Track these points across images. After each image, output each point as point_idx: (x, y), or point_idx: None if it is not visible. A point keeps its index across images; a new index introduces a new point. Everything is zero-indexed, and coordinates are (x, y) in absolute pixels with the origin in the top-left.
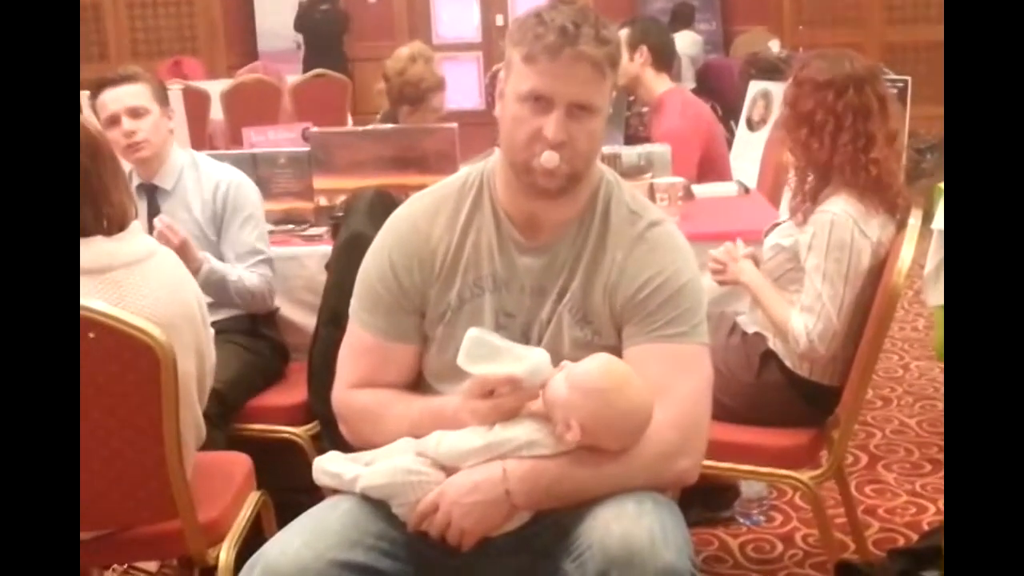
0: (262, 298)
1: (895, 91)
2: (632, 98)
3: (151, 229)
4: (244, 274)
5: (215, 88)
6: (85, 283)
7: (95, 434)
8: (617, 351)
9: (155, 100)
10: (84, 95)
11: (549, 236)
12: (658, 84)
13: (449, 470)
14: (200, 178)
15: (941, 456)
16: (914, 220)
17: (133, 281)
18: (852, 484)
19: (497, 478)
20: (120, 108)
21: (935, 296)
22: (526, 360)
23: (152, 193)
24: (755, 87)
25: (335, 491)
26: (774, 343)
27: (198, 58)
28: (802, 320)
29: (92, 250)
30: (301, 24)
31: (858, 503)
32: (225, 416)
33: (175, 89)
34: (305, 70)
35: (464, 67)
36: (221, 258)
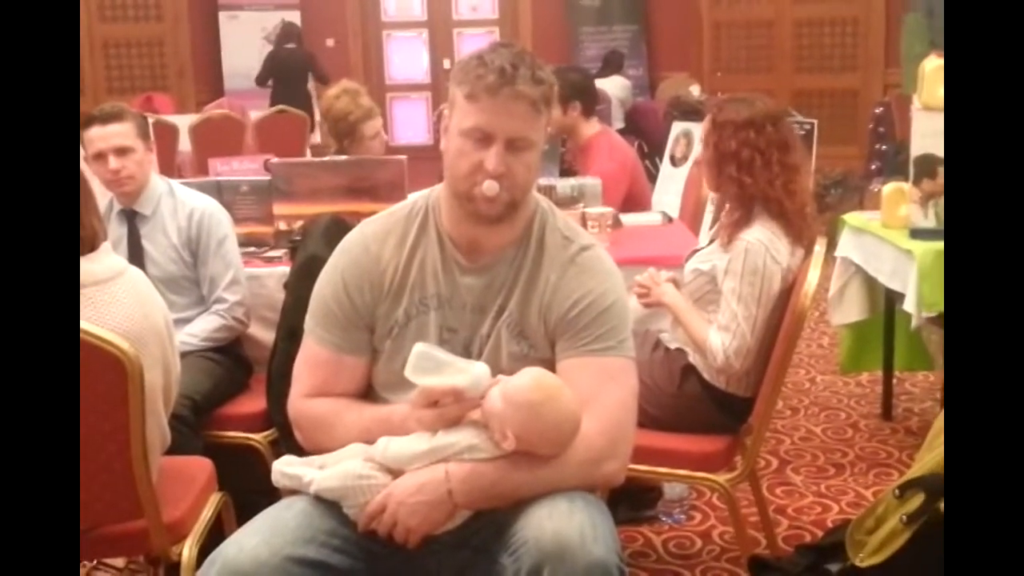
0: (231, 328)
1: (803, 132)
2: (566, 137)
3: (132, 250)
4: (202, 326)
5: (183, 122)
6: None
7: None
8: (551, 364)
9: (139, 137)
10: None
11: (489, 258)
12: (588, 128)
13: (396, 473)
14: (176, 205)
15: (844, 461)
16: (819, 248)
17: (103, 298)
18: (764, 486)
19: (440, 479)
20: (107, 147)
21: (838, 316)
22: (467, 373)
23: (132, 218)
24: (677, 127)
25: (292, 492)
26: (694, 358)
27: (168, 94)
28: (719, 337)
29: None
30: (271, 64)
31: (769, 503)
32: (200, 423)
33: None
34: (272, 104)
35: (414, 106)
36: (198, 280)
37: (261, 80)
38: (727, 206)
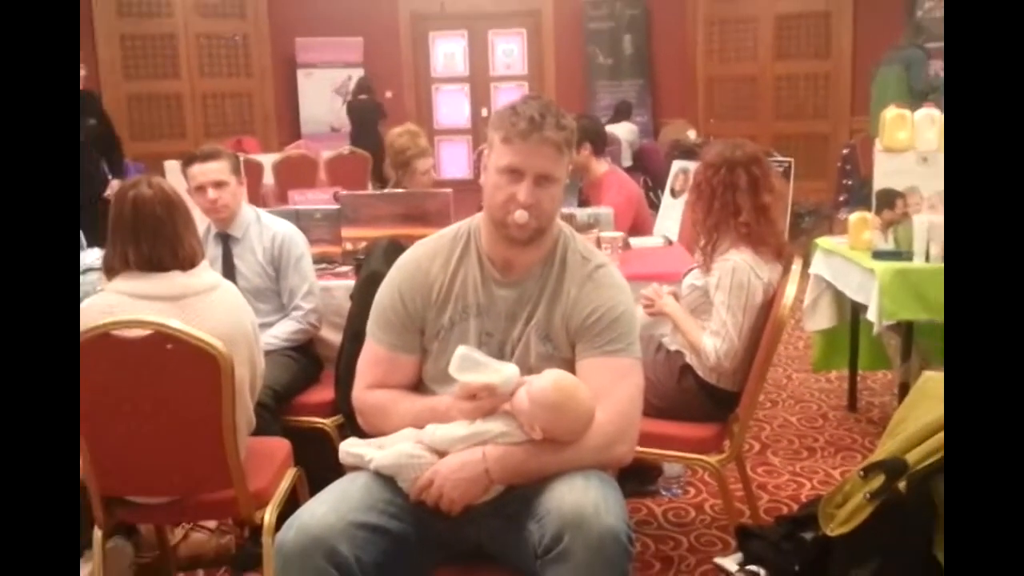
0: (306, 331)
1: (781, 169)
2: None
3: (225, 267)
4: (282, 329)
5: (268, 160)
6: (165, 307)
7: (170, 422)
8: (571, 362)
9: (232, 173)
10: (175, 164)
11: (520, 274)
12: (598, 167)
13: (441, 454)
14: (262, 230)
15: (815, 445)
16: (796, 266)
17: (202, 307)
18: (748, 466)
19: (478, 460)
20: (206, 181)
21: (811, 324)
22: (501, 372)
23: (226, 240)
24: (676, 165)
25: (355, 468)
26: (690, 358)
27: (255, 137)
28: (711, 342)
29: (170, 282)
30: (349, 110)
31: (752, 480)
32: (277, 410)
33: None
34: (352, 143)
35: (457, 147)
36: (279, 291)
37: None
38: (706, 232)
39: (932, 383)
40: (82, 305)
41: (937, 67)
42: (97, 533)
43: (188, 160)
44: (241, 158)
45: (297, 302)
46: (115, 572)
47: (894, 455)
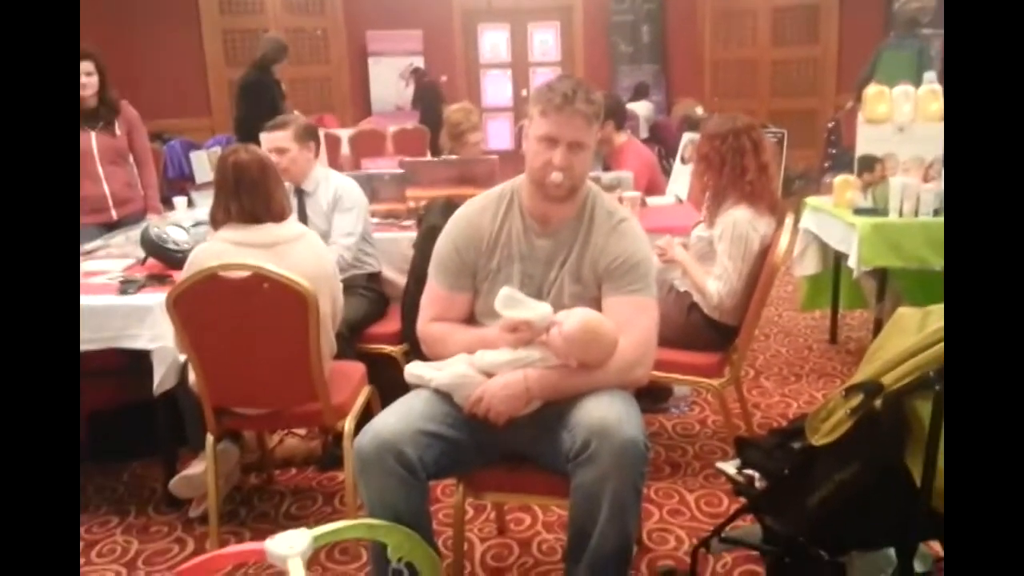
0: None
1: (775, 139)
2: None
3: (299, 214)
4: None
5: (344, 134)
6: (261, 253)
7: (267, 348)
8: (598, 300)
9: (294, 140)
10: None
11: (555, 227)
12: (619, 138)
13: (489, 375)
14: (328, 185)
15: (801, 372)
16: (788, 221)
17: (291, 252)
18: (744, 388)
19: (520, 380)
20: (271, 147)
21: (799, 270)
22: (537, 310)
23: (301, 194)
24: (686, 136)
25: (417, 386)
26: (696, 298)
27: (334, 114)
28: (715, 284)
29: (265, 232)
30: (416, 95)
31: (747, 400)
32: (353, 338)
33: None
34: (420, 121)
35: (501, 122)
36: (330, 232)
37: (415, 104)
38: (710, 192)
39: (905, 317)
40: (194, 251)
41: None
42: (209, 438)
43: (266, 128)
44: (322, 132)
45: (335, 238)
46: (224, 469)
47: (871, 378)
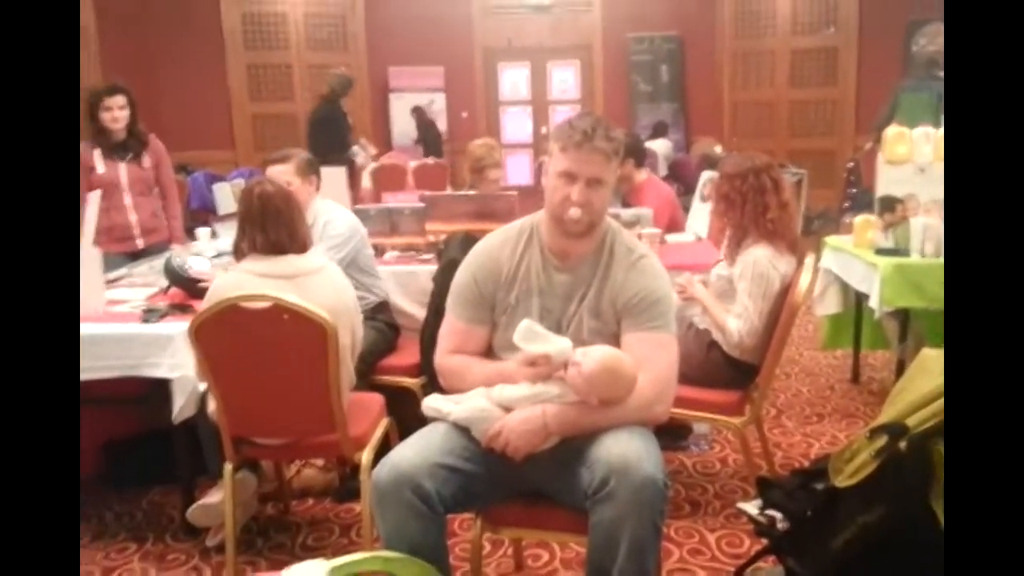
0: None
1: (796, 179)
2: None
3: None
4: None
5: (367, 167)
6: (282, 284)
7: (287, 378)
8: (617, 336)
9: (296, 175)
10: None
11: (575, 262)
12: (638, 175)
13: (507, 410)
14: (323, 218)
15: (823, 412)
16: (809, 260)
17: (312, 284)
18: (765, 427)
19: (539, 415)
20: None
21: (820, 309)
22: (556, 344)
23: None
24: (705, 175)
25: (435, 419)
26: (716, 336)
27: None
28: (735, 323)
29: (287, 263)
30: (419, 130)
31: (768, 440)
32: (365, 370)
33: (340, 169)
34: (424, 156)
35: (520, 158)
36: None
37: (417, 141)
38: (728, 232)
39: (929, 359)
40: (215, 281)
41: None
42: (228, 466)
43: (269, 162)
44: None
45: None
46: (241, 498)
47: (896, 420)
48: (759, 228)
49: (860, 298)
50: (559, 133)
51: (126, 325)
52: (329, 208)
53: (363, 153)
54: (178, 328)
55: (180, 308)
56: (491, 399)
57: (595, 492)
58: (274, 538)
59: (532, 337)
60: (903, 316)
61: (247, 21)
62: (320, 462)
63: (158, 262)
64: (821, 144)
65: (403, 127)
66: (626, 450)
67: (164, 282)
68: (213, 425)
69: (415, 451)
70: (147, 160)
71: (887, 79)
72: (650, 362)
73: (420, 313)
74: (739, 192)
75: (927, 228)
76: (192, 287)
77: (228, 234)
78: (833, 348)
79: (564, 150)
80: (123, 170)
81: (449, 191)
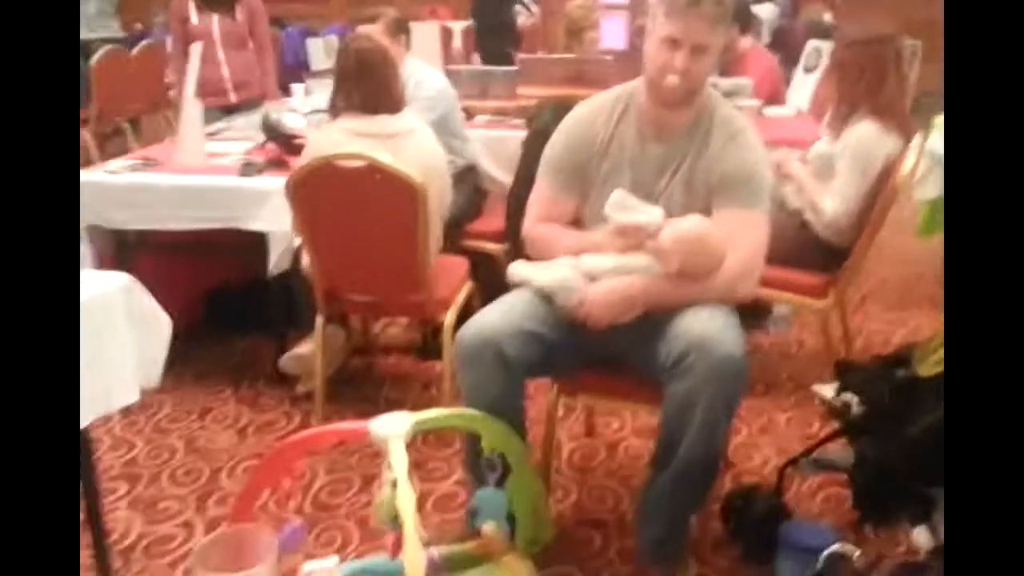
0: None
1: (910, 52)
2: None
3: None
4: None
5: (457, 27)
6: (376, 143)
7: (377, 237)
8: (709, 211)
9: (386, 34)
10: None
11: (670, 133)
12: (742, 43)
13: (592, 280)
14: (415, 79)
15: (909, 299)
16: (915, 141)
17: (406, 145)
18: (849, 312)
19: (624, 286)
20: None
21: (921, 193)
22: (648, 214)
23: None
24: (811, 44)
25: (519, 286)
26: (809, 216)
27: (447, 6)
28: (831, 202)
29: (381, 123)
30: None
31: (850, 325)
32: (451, 232)
33: (432, 25)
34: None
35: (615, 21)
36: None
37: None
38: (841, 104)
39: None
40: (312, 138)
41: None
42: (319, 319)
43: (354, 22)
44: (436, 24)
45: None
46: (331, 350)
47: None
48: (871, 103)
49: None
50: None
51: (226, 178)
52: (420, 68)
53: (525, 12)
54: (275, 183)
55: (276, 163)
56: (577, 268)
57: (673, 365)
58: (360, 390)
59: (625, 207)
60: None
61: None
62: (405, 321)
63: (254, 117)
64: (938, 14)
65: None
66: (707, 326)
67: (260, 137)
68: (306, 279)
69: (499, 315)
70: (240, 13)
71: None
72: (739, 239)
73: (508, 179)
74: (858, 61)
75: None
76: (288, 143)
77: (322, 91)
78: (929, 235)
79: (669, 14)
80: (216, 22)
81: (541, 54)
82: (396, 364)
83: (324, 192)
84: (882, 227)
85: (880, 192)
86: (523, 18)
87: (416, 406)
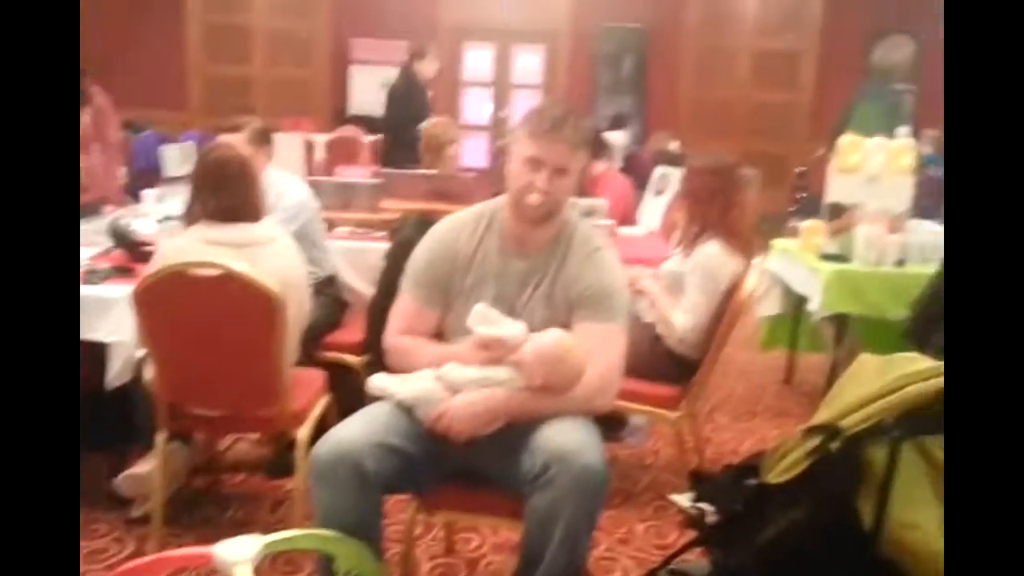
0: None
1: (749, 181)
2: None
3: None
4: None
5: (320, 139)
6: (233, 252)
7: (230, 349)
8: (568, 326)
9: (249, 144)
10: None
11: (532, 249)
12: (597, 167)
13: (454, 392)
14: (274, 187)
15: (756, 410)
16: (757, 262)
17: (263, 254)
18: (700, 422)
19: (484, 399)
20: None
21: (762, 310)
22: (510, 328)
23: None
24: (659, 170)
25: (378, 398)
26: (661, 330)
27: (312, 118)
28: (682, 317)
29: (238, 231)
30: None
31: (701, 435)
32: (309, 345)
33: (296, 137)
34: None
35: (478, 140)
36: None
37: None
38: (690, 226)
39: (866, 363)
40: (164, 246)
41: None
42: (160, 436)
43: (224, 129)
44: (299, 137)
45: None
46: (172, 470)
47: (830, 420)
48: (720, 225)
49: (801, 301)
50: (530, 119)
51: None
52: (282, 178)
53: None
54: (120, 291)
55: (122, 271)
56: (440, 379)
57: (535, 478)
58: (202, 511)
59: (486, 321)
60: (841, 321)
61: None
62: (254, 436)
63: (98, 221)
64: (774, 147)
65: (361, 100)
66: (569, 438)
67: (106, 242)
68: (148, 393)
69: (358, 429)
70: (86, 114)
71: (845, 87)
72: (599, 353)
73: (368, 290)
74: (709, 188)
75: (871, 237)
76: (136, 250)
77: (174, 198)
78: (770, 349)
79: (533, 136)
80: None
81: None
82: (244, 483)
83: (174, 301)
84: (728, 341)
85: (726, 308)
86: None
87: (266, 528)
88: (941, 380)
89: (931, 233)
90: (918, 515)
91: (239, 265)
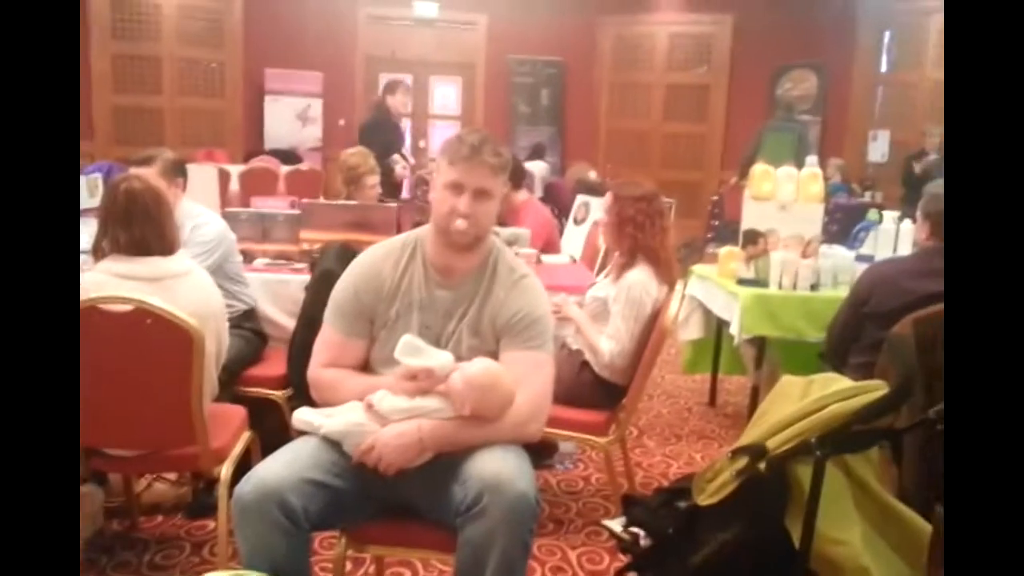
0: None
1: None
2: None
3: None
4: None
5: (235, 170)
6: (146, 287)
7: (145, 386)
8: (495, 355)
9: (161, 177)
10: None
11: (457, 279)
12: (517, 196)
13: (382, 423)
14: (190, 221)
15: (682, 433)
16: (679, 288)
17: (178, 287)
18: (627, 447)
19: (414, 430)
20: None
21: (684, 334)
22: (437, 358)
23: None
24: (580, 199)
25: (304, 433)
26: (588, 356)
27: (225, 149)
28: (608, 344)
29: (151, 265)
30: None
31: (631, 459)
32: (230, 380)
33: (210, 168)
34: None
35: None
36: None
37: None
38: (617, 254)
39: (789, 384)
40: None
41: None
42: None
43: (135, 162)
44: (213, 168)
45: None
46: (88, 512)
47: (756, 441)
48: (645, 252)
49: (721, 325)
50: (448, 146)
51: None
52: (197, 211)
53: (403, 162)
54: None
55: None
56: (370, 408)
57: (468, 509)
58: (120, 556)
59: (413, 351)
60: (760, 343)
61: (116, 7)
62: (173, 476)
63: None
64: (688, 176)
65: (277, 130)
66: (500, 467)
67: None
68: None
69: (282, 465)
70: None
71: (753, 119)
72: (527, 381)
73: (289, 323)
74: (632, 216)
75: (785, 262)
76: None
77: (81, 231)
78: (693, 372)
79: (453, 163)
80: None
81: (322, 200)
82: (162, 524)
83: (86, 337)
84: (654, 366)
85: (651, 334)
86: (400, 167)
87: (187, 571)
88: (861, 399)
89: (842, 257)
90: (844, 531)
91: (153, 299)
